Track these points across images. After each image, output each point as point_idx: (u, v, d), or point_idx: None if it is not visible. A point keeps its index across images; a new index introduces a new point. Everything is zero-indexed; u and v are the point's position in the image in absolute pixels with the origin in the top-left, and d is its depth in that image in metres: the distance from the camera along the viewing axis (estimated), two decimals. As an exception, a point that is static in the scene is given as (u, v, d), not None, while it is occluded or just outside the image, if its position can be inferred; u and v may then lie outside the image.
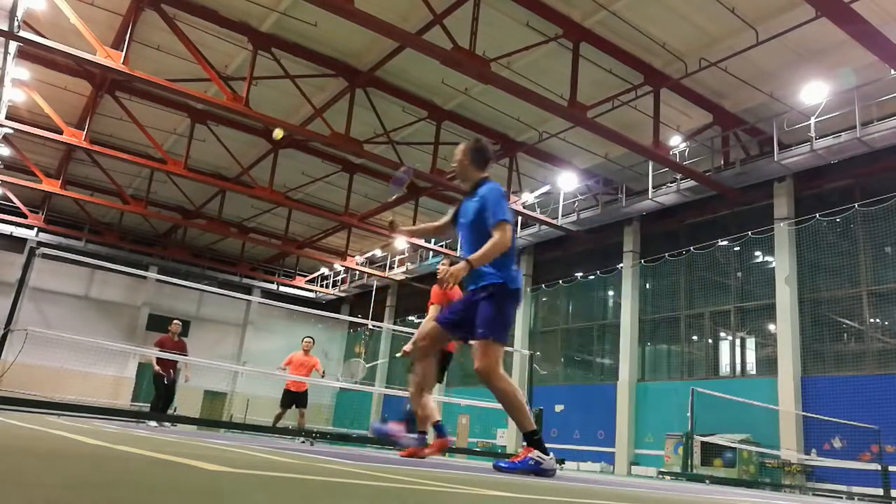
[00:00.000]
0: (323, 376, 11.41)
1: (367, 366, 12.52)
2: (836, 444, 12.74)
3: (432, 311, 6.57)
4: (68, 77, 15.95)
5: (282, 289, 29.69)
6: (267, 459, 2.81)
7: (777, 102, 13.70)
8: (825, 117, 13.28)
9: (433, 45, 11.31)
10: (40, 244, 19.28)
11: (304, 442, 9.88)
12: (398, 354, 6.57)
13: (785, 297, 14.13)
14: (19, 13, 11.82)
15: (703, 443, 12.58)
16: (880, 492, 11.08)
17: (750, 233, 15.11)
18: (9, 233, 24.66)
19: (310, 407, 11.61)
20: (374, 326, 23.72)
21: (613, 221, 18.05)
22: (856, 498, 11.79)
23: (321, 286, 29.60)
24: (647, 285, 17.85)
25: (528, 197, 18.12)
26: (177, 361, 11.48)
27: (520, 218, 19.15)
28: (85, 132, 15.96)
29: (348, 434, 14.38)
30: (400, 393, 9.75)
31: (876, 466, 11.28)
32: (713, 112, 14.53)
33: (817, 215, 14.01)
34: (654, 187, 16.06)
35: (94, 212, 24.53)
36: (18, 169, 20.72)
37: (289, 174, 19.64)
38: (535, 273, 21.18)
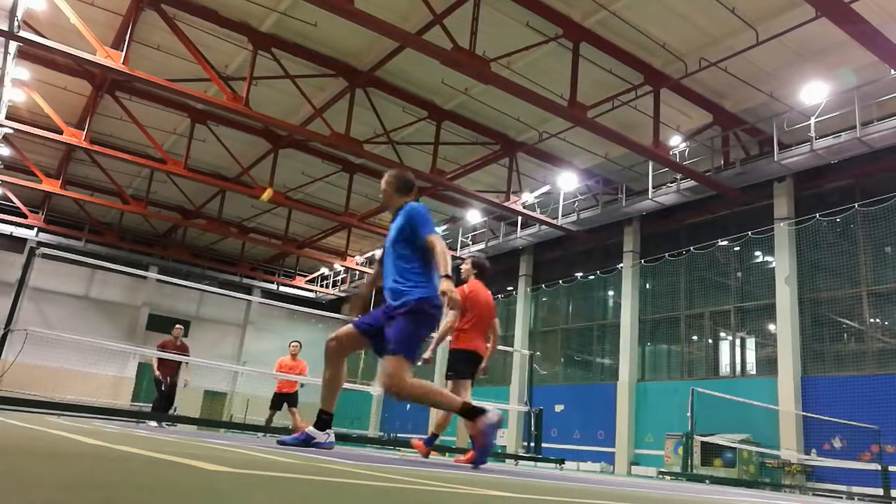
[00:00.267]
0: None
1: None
2: (836, 444, 12.74)
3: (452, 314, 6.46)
4: (68, 77, 15.95)
5: (282, 289, 29.68)
6: (267, 459, 2.81)
7: (777, 102, 13.70)
8: (825, 117, 13.28)
9: (433, 45, 11.30)
10: (40, 244, 19.30)
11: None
12: (419, 363, 6.55)
13: (785, 297, 14.13)
14: (19, 13, 11.83)
15: (703, 443, 12.58)
16: (880, 492, 11.07)
17: (750, 233, 15.10)
18: (9, 233, 24.66)
19: (310, 407, 11.66)
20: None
21: (613, 221, 18.05)
22: (856, 498, 11.79)
23: (321, 286, 29.59)
24: (647, 285, 17.85)
25: (528, 197, 18.12)
26: (178, 366, 11.65)
27: (520, 218, 19.17)
28: (85, 132, 15.96)
29: (348, 434, 14.37)
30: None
31: (876, 466, 11.28)
32: (713, 112, 14.53)
33: (817, 215, 14.00)
34: (654, 187, 16.05)
35: (94, 212, 24.53)
36: (18, 169, 20.72)
37: (289, 174, 19.64)
38: (535, 273, 21.19)
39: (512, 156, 17.17)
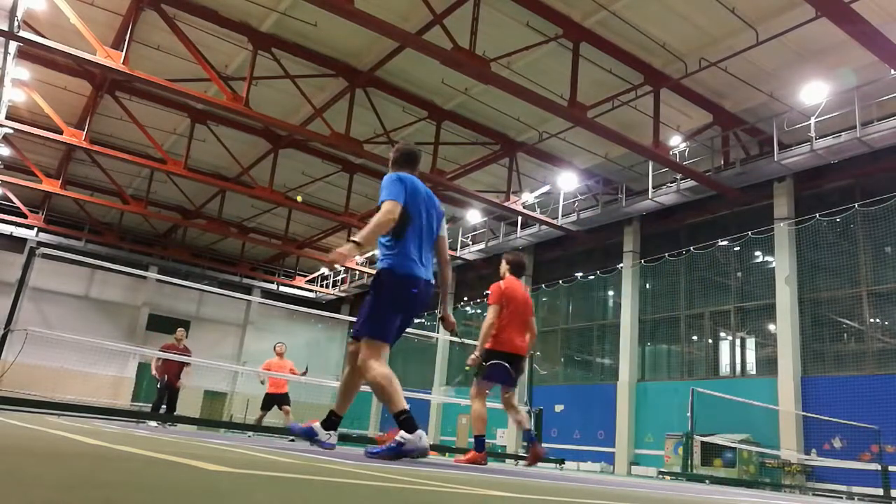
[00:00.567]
0: (305, 373, 11.73)
1: None
2: (836, 444, 12.74)
3: (492, 312, 6.39)
4: (68, 77, 15.96)
5: (282, 289, 29.68)
6: (267, 459, 2.81)
7: (777, 102, 13.70)
8: (825, 117, 13.28)
9: (433, 45, 11.31)
10: (40, 244, 19.28)
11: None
12: (466, 367, 6.54)
13: (785, 297, 14.13)
14: (19, 13, 11.83)
15: (703, 443, 12.58)
16: (880, 492, 11.08)
17: (750, 233, 15.11)
18: (9, 233, 24.65)
19: (310, 407, 11.72)
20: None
21: (613, 221, 18.05)
22: (856, 498, 11.80)
23: (321, 286, 29.60)
24: (647, 285, 17.85)
25: (528, 197, 18.12)
26: (181, 370, 11.81)
27: (520, 218, 19.16)
28: (85, 132, 15.97)
29: (348, 434, 14.38)
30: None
31: (876, 466, 11.28)
32: (713, 112, 14.53)
33: (817, 215, 14.01)
34: (654, 187, 16.05)
35: (94, 212, 24.53)
36: (18, 169, 20.72)
37: (289, 174, 19.64)
38: (535, 273, 21.18)
39: (512, 156, 17.18)
